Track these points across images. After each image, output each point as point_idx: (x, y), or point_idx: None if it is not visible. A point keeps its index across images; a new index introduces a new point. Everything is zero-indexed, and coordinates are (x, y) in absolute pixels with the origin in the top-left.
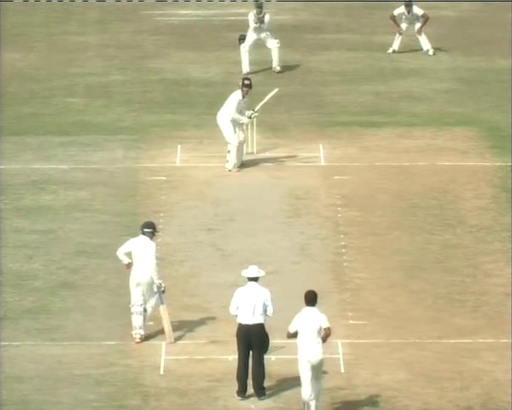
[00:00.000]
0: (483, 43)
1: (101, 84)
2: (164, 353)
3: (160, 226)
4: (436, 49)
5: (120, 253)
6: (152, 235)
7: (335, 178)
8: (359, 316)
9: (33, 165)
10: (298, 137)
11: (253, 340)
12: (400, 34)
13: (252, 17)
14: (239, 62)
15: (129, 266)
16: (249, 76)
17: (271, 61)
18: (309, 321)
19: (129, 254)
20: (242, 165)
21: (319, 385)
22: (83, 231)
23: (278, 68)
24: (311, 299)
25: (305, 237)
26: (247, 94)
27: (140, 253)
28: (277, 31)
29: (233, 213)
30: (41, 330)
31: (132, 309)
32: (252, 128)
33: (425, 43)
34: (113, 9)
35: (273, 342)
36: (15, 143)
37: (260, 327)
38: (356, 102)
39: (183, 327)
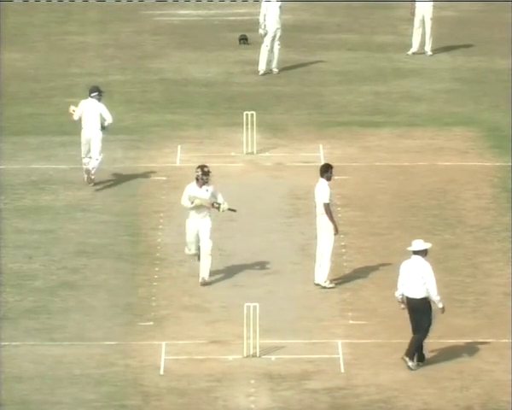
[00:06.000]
0: (483, 43)
1: (101, 85)
2: (164, 353)
3: (160, 226)
4: (436, 49)
5: (76, 117)
6: (99, 97)
7: (335, 178)
8: (359, 316)
9: (33, 165)
10: (298, 137)
11: (416, 313)
12: (412, 15)
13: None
14: (239, 62)
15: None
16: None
17: (270, 61)
18: (316, 193)
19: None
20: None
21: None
22: (83, 231)
23: (276, 70)
24: (321, 171)
25: (305, 237)
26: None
27: (90, 113)
28: None
29: (233, 214)
30: (41, 330)
31: (83, 161)
32: (252, 128)
33: (429, 42)
34: (113, 9)
35: (273, 341)
36: (15, 143)
37: (418, 301)
38: (356, 102)
39: (183, 327)
